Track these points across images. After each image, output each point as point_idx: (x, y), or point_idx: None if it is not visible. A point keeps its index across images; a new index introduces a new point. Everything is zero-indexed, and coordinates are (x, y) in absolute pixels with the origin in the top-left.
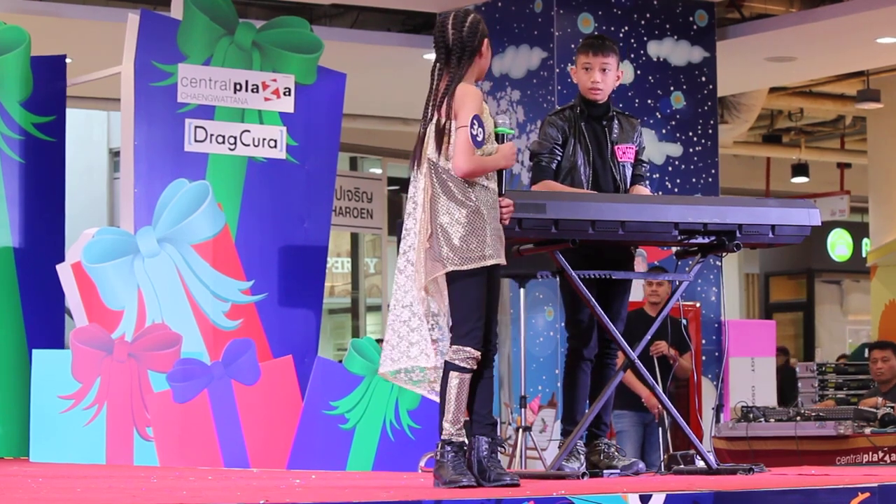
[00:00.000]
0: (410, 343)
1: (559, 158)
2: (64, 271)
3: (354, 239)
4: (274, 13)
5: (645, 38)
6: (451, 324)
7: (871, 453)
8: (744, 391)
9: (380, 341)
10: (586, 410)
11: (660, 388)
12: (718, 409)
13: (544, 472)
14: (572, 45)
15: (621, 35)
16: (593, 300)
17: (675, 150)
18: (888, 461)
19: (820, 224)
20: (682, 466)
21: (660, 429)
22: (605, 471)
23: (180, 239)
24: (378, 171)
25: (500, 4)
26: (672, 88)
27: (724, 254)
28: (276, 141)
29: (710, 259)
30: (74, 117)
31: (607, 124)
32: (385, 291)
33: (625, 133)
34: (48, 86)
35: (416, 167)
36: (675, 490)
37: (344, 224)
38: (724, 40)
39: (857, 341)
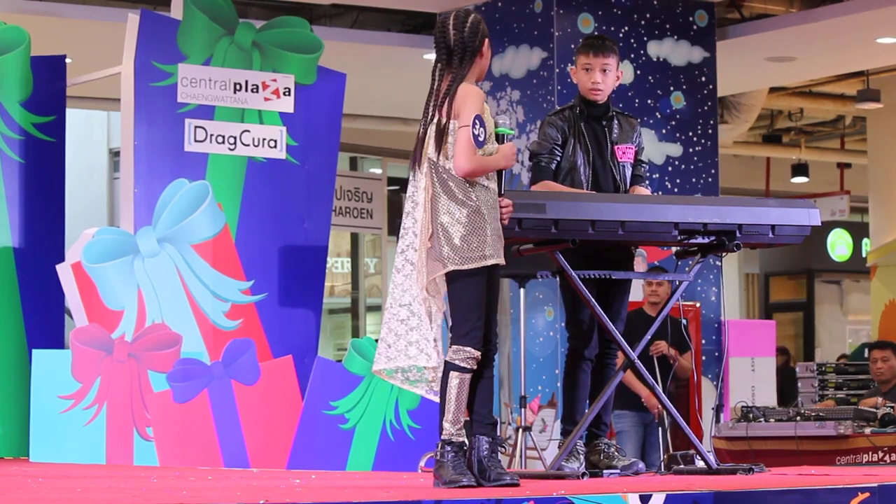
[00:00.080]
0: (409, 342)
1: (559, 159)
2: (64, 271)
3: (354, 239)
4: (274, 13)
5: (645, 38)
6: (450, 324)
7: (871, 453)
8: (744, 391)
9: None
10: (586, 410)
11: (660, 388)
12: (718, 409)
13: (544, 472)
14: (572, 45)
15: (621, 35)
16: (593, 300)
17: (675, 150)
18: (888, 461)
19: (820, 224)
20: (682, 466)
21: (660, 429)
22: (604, 471)
23: (180, 239)
24: (378, 171)
25: (500, 4)
26: (672, 88)
27: (724, 254)
28: (275, 141)
29: (710, 259)
30: (74, 117)
31: (607, 124)
32: (385, 291)
33: (624, 133)
34: (48, 86)
35: (416, 167)
36: (675, 490)
37: (344, 224)
38: (724, 40)
39: (857, 341)
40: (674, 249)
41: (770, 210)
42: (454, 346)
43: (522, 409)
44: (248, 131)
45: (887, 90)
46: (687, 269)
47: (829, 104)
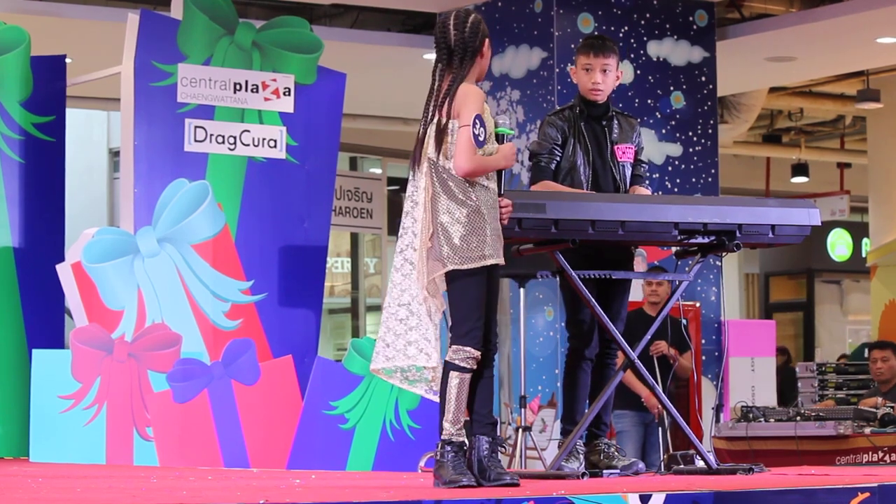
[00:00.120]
0: (408, 342)
1: (558, 159)
2: (64, 271)
3: (354, 239)
4: (274, 13)
5: (645, 38)
6: (449, 323)
7: (870, 453)
8: (744, 391)
9: None
10: (586, 410)
11: (660, 388)
12: (718, 408)
13: (544, 472)
14: (572, 45)
15: (621, 35)
16: (593, 300)
17: (675, 149)
18: (888, 461)
19: (820, 224)
20: (681, 466)
21: (660, 429)
22: (604, 471)
23: (180, 239)
24: (378, 171)
25: (500, 4)
26: (672, 88)
27: (724, 254)
28: (275, 141)
29: (710, 259)
30: (74, 117)
31: (607, 124)
32: (385, 291)
33: (624, 133)
34: (48, 86)
35: (415, 167)
36: (674, 490)
37: (344, 224)
38: (724, 40)
39: (857, 341)
40: (674, 249)
41: (770, 210)
42: (454, 346)
43: (522, 409)
44: (248, 131)
45: (887, 90)
46: (687, 269)
47: (829, 104)
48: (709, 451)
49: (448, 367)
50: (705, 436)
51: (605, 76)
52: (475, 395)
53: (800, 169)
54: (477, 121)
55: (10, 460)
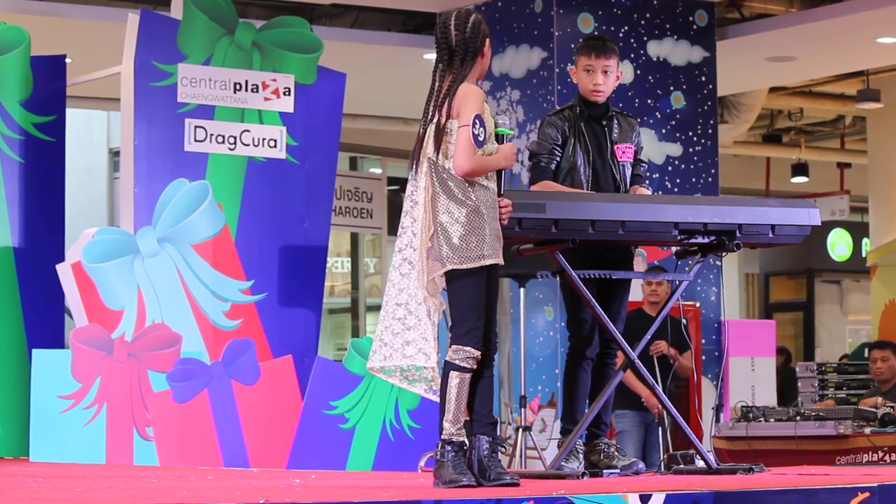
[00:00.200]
0: (406, 342)
1: (558, 159)
2: (64, 271)
3: (354, 239)
4: (274, 13)
5: (645, 38)
6: (449, 323)
7: (870, 453)
8: (744, 391)
9: None
10: (586, 410)
11: (660, 388)
12: (718, 408)
13: (544, 471)
14: (572, 45)
15: (621, 35)
16: (593, 300)
17: (675, 149)
18: (888, 461)
19: (820, 224)
20: (681, 466)
21: (660, 429)
22: (604, 470)
23: (180, 239)
24: (378, 171)
25: (500, 4)
26: (672, 88)
27: (723, 253)
28: (275, 141)
29: (709, 259)
30: (74, 117)
31: (607, 124)
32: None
33: (624, 133)
34: (48, 86)
35: (415, 166)
36: (674, 490)
37: (344, 224)
38: (724, 40)
39: (857, 341)
40: (674, 249)
41: (770, 210)
42: (454, 346)
43: (522, 409)
44: (248, 131)
45: (887, 90)
46: (687, 268)
47: (829, 104)
48: (709, 451)
49: (448, 366)
50: (705, 436)
51: (607, 77)
52: (475, 395)
53: (800, 169)
54: (476, 121)
55: (10, 460)
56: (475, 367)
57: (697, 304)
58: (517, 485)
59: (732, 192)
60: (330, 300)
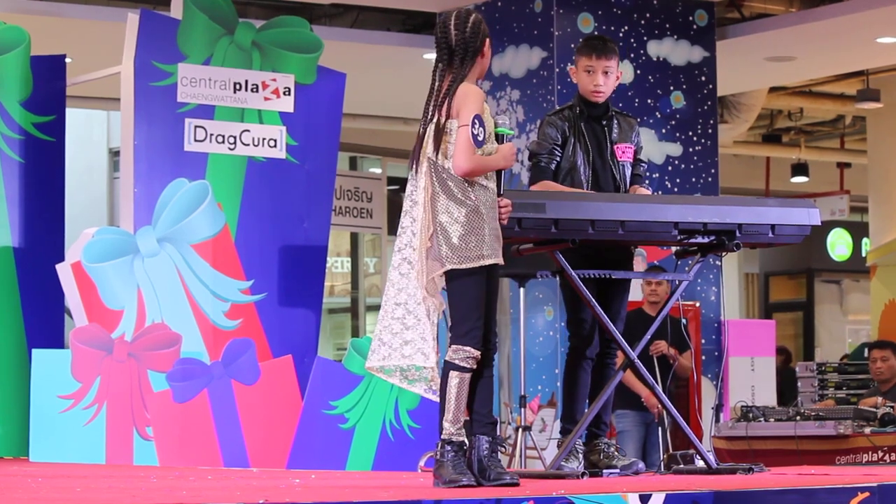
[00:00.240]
0: (404, 341)
1: (558, 159)
2: (64, 271)
3: (354, 239)
4: (274, 13)
5: (645, 38)
6: (449, 323)
7: (870, 453)
8: (743, 391)
9: None
10: (586, 410)
11: (660, 388)
12: (718, 408)
13: (544, 471)
14: (572, 45)
15: (621, 35)
16: (593, 300)
17: (675, 149)
18: (888, 461)
19: (820, 224)
20: (681, 466)
21: (660, 429)
22: (604, 470)
23: (180, 239)
24: (378, 170)
25: (499, 4)
26: (672, 88)
27: (723, 253)
28: (275, 141)
29: (709, 259)
30: (74, 117)
31: (607, 124)
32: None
33: (623, 133)
34: (48, 85)
35: (415, 166)
36: (674, 490)
37: (344, 224)
38: (723, 40)
39: (856, 341)
40: (674, 249)
41: (770, 210)
42: (454, 346)
43: (522, 409)
44: (247, 131)
45: (887, 90)
46: (687, 268)
47: (828, 104)
48: (709, 451)
49: (448, 366)
50: (705, 435)
51: (607, 78)
52: (475, 395)
53: (800, 169)
54: (476, 121)
55: (9, 460)
56: (475, 366)
57: (697, 304)
58: (517, 485)
59: (732, 192)
60: (330, 300)
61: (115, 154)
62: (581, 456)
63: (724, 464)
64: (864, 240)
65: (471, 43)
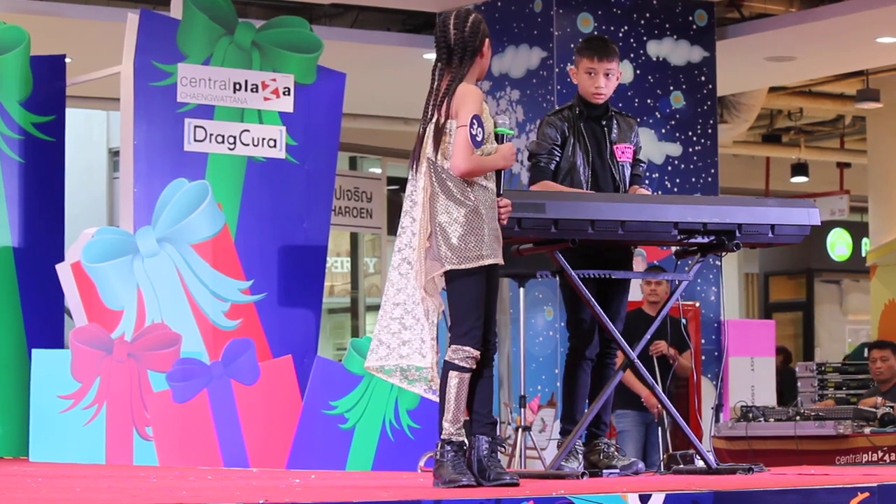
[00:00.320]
0: (403, 341)
1: (557, 159)
2: (63, 271)
3: (354, 239)
4: (274, 13)
5: (644, 38)
6: (449, 323)
7: (870, 453)
8: (743, 391)
9: None
10: (586, 410)
11: (659, 388)
12: (718, 408)
13: (544, 471)
14: (572, 45)
15: (621, 35)
16: (593, 300)
17: (675, 149)
18: (888, 461)
19: (819, 224)
20: (681, 466)
21: (659, 429)
22: (604, 470)
23: (180, 239)
24: (378, 170)
25: (499, 4)
26: (671, 88)
27: (723, 253)
28: (275, 141)
29: (709, 259)
30: (74, 117)
31: (606, 124)
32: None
33: (623, 133)
34: (48, 85)
35: (415, 166)
36: (674, 490)
37: (343, 224)
38: (723, 40)
39: (856, 341)
40: (673, 249)
41: (770, 210)
42: (453, 346)
43: (522, 409)
44: (247, 131)
45: (887, 90)
46: (686, 268)
47: (828, 104)
48: (708, 451)
49: (447, 366)
50: (705, 436)
51: (609, 80)
52: (475, 395)
53: (799, 169)
54: (475, 121)
55: (9, 460)
56: (474, 366)
57: (697, 304)
58: (517, 485)
59: (732, 192)
60: (330, 300)
61: (114, 154)
62: (581, 456)
63: (723, 464)
64: (864, 240)
65: (470, 43)
